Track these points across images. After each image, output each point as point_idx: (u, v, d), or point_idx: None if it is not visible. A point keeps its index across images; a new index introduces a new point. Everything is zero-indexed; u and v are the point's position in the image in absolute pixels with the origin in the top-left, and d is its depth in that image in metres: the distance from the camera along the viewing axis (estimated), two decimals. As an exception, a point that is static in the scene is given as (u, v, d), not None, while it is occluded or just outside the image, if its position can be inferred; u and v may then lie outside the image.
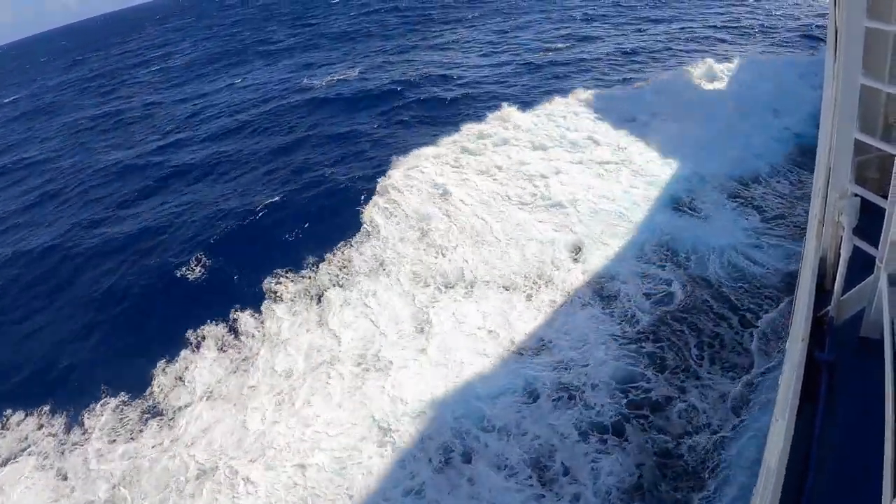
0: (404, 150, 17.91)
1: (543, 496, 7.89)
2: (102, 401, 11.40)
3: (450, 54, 33.21)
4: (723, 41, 27.24)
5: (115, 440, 10.65)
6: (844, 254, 5.23)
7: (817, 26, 27.42)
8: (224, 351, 11.95)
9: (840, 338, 5.52)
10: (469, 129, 18.57)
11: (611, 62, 27.18)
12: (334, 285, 12.54)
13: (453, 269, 12.41)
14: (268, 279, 13.18)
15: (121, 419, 11.05)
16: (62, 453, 10.67)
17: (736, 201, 14.07)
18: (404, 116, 22.11)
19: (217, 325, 12.48)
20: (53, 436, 11.20)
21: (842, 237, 5.34)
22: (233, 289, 13.38)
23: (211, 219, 16.44)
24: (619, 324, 10.88)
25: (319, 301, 12.23)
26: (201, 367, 11.71)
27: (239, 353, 11.78)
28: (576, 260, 12.49)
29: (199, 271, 14.34)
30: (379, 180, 16.08)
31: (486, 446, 8.57)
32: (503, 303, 11.49)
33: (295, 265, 13.41)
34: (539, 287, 11.84)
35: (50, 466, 10.46)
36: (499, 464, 8.35)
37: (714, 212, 13.72)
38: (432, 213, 14.05)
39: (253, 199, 17.12)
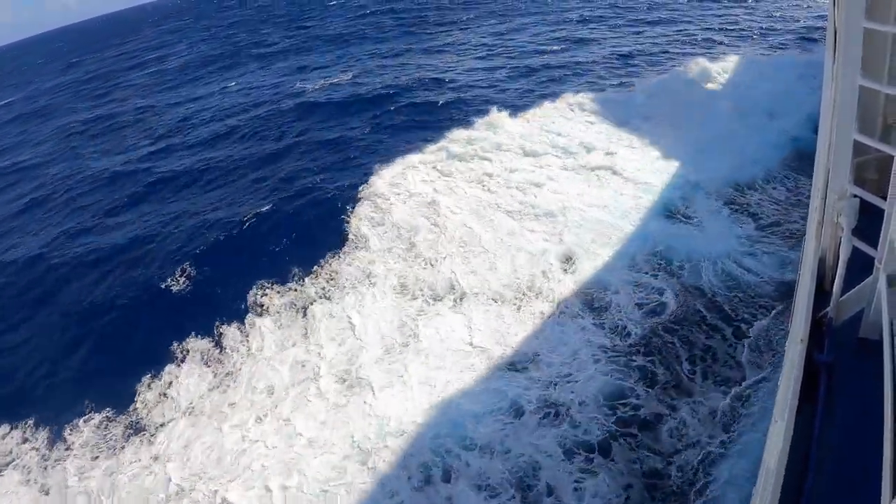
0: (393, 156, 17.67)
1: (525, 518, 7.68)
2: (87, 416, 11.22)
3: (444, 57, 33.00)
4: (720, 43, 27.01)
5: (97, 456, 10.46)
6: (843, 255, 5.23)
7: (816, 27, 27.20)
8: (208, 365, 11.73)
9: (839, 339, 5.51)
10: (458, 134, 18.30)
11: (606, 65, 26.96)
12: (320, 298, 12.31)
13: (441, 281, 12.18)
14: (254, 291, 12.96)
15: (104, 435, 10.85)
16: (45, 468, 10.49)
17: (731, 208, 13.87)
18: (395, 121, 21.88)
19: (202, 338, 12.26)
20: (37, 450, 11.05)
21: (841, 238, 5.34)
22: (219, 301, 13.14)
23: (198, 228, 16.21)
24: (610, 336, 10.67)
25: (305, 314, 12.00)
26: (185, 382, 11.50)
27: (222, 367, 11.55)
28: (566, 270, 12.25)
29: (186, 283, 14.12)
30: (367, 189, 15.84)
31: (468, 465, 8.35)
32: (492, 315, 11.26)
33: (281, 277, 13.18)
34: (529, 299, 11.61)
35: (34, 481, 10.30)
36: (480, 483, 8.14)
37: (708, 219, 13.51)
38: (420, 223, 13.82)
39: (240, 209, 16.89)
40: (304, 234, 14.71)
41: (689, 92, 20.58)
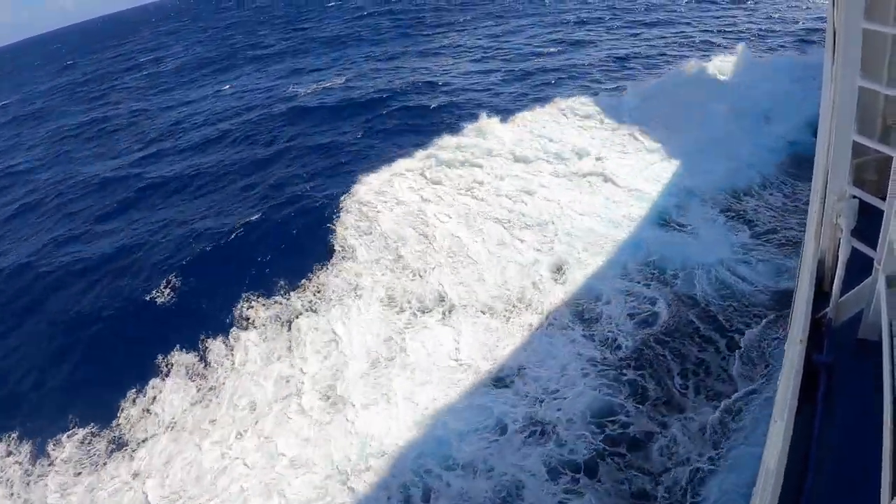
0: (383, 163, 17.45)
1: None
2: (70, 430, 11.06)
3: (439, 60, 32.77)
4: (718, 45, 26.70)
5: (80, 472, 10.30)
6: (843, 256, 5.22)
7: (814, 29, 26.95)
8: (192, 380, 11.54)
9: (838, 339, 5.51)
10: (448, 141, 18.03)
11: (602, 68, 26.73)
12: (306, 310, 12.09)
13: (430, 293, 11.96)
14: (240, 304, 12.75)
15: (87, 450, 10.69)
16: (27, 484, 10.33)
17: (726, 215, 13.66)
18: (387, 125, 21.67)
19: (187, 352, 12.05)
20: (20, 464, 10.90)
21: (840, 239, 5.33)
22: (204, 314, 12.96)
23: (186, 238, 16.01)
24: (600, 348, 10.45)
25: (290, 328, 11.78)
26: (168, 396, 11.32)
27: (206, 381, 11.35)
28: (557, 281, 12.02)
29: (172, 295, 13.91)
30: (355, 197, 15.63)
31: (448, 485, 8.15)
32: (480, 328, 11.04)
33: (268, 289, 12.97)
34: (518, 310, 11.39)
35: (17, 496, 10.15)
36: (460, 504, 7.91)
37: (703, 226, 13.29)
38: (408, 233, 13.59)
39: (228, 218, 16.69)
40: (292, 245, 14.50)
41: (685, 95, 20.32)
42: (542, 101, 20.97)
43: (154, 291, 14.00)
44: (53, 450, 10.75)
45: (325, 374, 10.55)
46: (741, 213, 13.73)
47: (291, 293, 12.66)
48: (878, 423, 3.63)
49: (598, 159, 15.81)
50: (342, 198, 15.78)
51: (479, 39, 37.59)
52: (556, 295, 11.60)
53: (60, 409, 11.60)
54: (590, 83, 24.08)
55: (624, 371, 9.89)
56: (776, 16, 31.67)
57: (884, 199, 4.65)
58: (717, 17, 34.25)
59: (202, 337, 12.20)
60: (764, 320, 10.49)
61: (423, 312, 11.63)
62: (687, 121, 18.01)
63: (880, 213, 4.75)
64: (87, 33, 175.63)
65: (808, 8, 32.21)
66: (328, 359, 10.90)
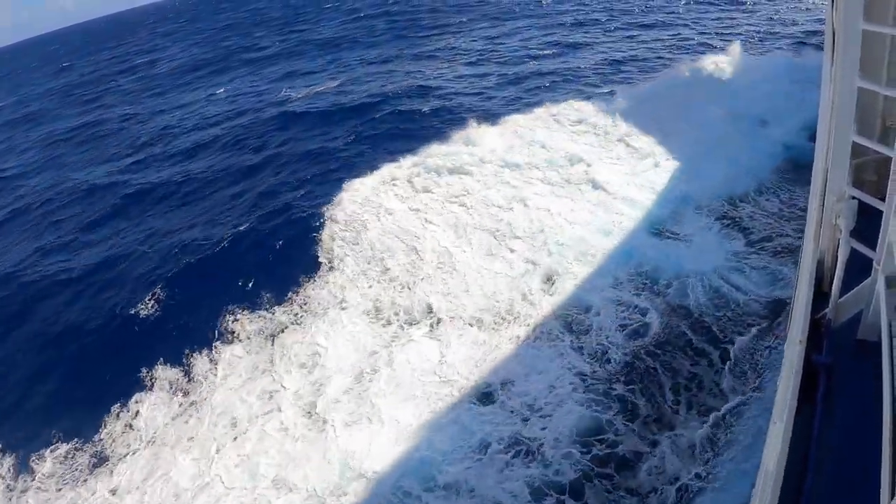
0: (371, 170, 17.17)
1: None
2: (53, 444, 10.89)
3: (434, 63, 32.52)
4: (716, 48, 26.40)
5: (61, 488, 10.11)
6: (842, 256, 5.24)
7: (813, 31, 26.71)
8: (175, 394, 11.34)
9: (837, 340, 5.52)
10: (438, 148, 17.69)
11: (597, 71, 26.48)
12: (292, 324, 11.86)
13: (417, 305, 11.71)
14: (225, 317, 12.50)
15: (70, 465, 10.51)
16: (10, 500, 10.19)
17: (721, 222, 13.44)
18: (378, 131, 21.41)
19: (171, 366, 11.84)
20: (2, 478, 10.70)
21: (839, 240, 5.35)
22: (189, 327, 12.74)
23: (172, 248, 15.78)
24: (589, 362, 10.22)
25: (274, 342, 11.54)
26: (150, 411, 11.14)
27: (188, 397, 11.13)
28: (547, 292, 11.78)
29: (157, 308, 13.69)
30: (343, 206, 15.36)
31: (429, 509, 7.89)
32: (467, 341, 10.81)
33: (253, 302, 12.74)
34: (507, 323, 11.16)
35: (1, 512, 9.97)
36: (438, 527, 7.69)
37: (698, 234, 13.07)
38: (395, 244, 13.34)
39: (215, 228, 16.46)
40: (279, 256, 14.28)
41: (679, 98, 20.05)
42: (535, 105, 20.70)
43: (139, 304, 13.76)
44: (36, 464, 10.60)
45: (308, 390, 10.32)
46: (737, 219, 13.52)
47: (277, 306, 12.43)
48: (877, 424, 3.60)
49: (589, 166, 15.55)
50: (330, 207, 15.52)
51: (475, 41, 37.33)
52: (546, 306, 11.37)
53: (44, 423, 11.43)
54: (584, 87, 23.84)
55: (613, 386, 9.67)
56: (775, 17, 31.39)
57: (883, 199, 4.64)
58: (716, 19, 34.01)
59: (186, 351, 11.98)
60: (755, 328, 10.30)
61: (410, 325, 11.40)
62: (681, 125, 17.75)
63: (880, 213, 4.74)
64: (86, 34, 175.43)
65: (807, 9, 31.96)
66: (312, 373, 10.66)
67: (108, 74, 57.32)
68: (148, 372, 11.82)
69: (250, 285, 13.21)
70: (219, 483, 9.09)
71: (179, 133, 27.31)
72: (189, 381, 11.51)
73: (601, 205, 14.07)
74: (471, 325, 11.18)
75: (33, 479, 10.36)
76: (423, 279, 12.26)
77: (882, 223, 4.69)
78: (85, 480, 10.04)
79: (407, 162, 17.08)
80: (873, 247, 4.90)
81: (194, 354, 11.88)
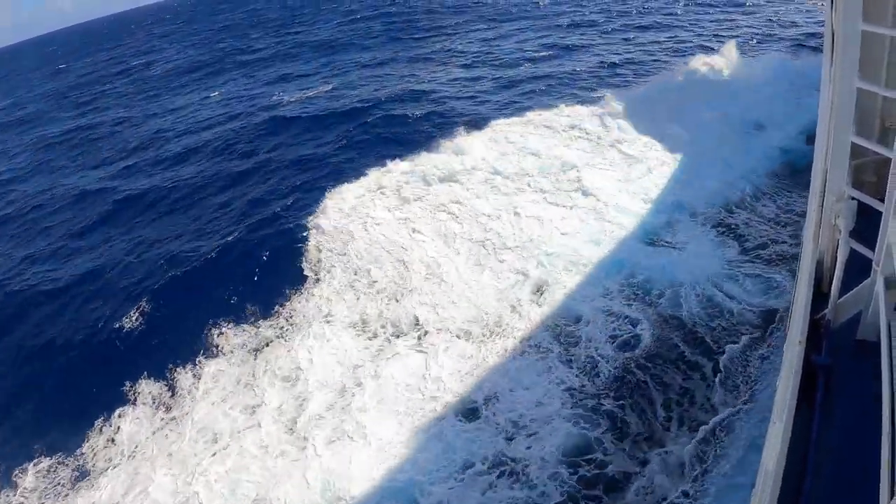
0: (360, 179, 16.94)
1: None
2: (36, 459, 10.80)
3: (428, 66, 32.29)
4: (713, 50, 26.17)
5: (44, 502, 10.03)
6: (841, 257, 5.27)
7: (812, 34, 26.46)
8: (158, 409, 11.18)
9: (837, 340, 5.54)
10: (427, 157, 17.42)
11: (592, 74, 26.25)
12: (277, 338, 11.64)
13: (404, 317, 11.50)
14: (210, 331, 12.30)
15: (53, 479, 10.39)
16: (-6, 516, 10.04)
17: (717, 230, 13.26)
18: (369, 136, 21.21)
19: (155, 380, 11.67)
20: (-15, 494, 10.60)
21: (838, 240, 5.35)
22: (174, 341, 12.55)
23: (158, 259, 15.60)
24: (579, 376, 10.00)
25: (258, 356, 11.31)
26: (133, 426, 11.00)
27: (169, 412, 10.93)
28: (536, 303, 11.55)
29: (143, 320, 13.51)
30: (331, 217, 15.14)
31: (412, 533, 7.67)
32: (454, 355, 10.59)
33: (238, 315, 12.53)
34: (495, 336, 10.94)
35: (-19, 527, 9.81)
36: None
37: (692, 242, 12.88)
38: (383, 255, 13.11)
39: (202, 239, 16.29)
40: (265, 268, 14.07)
41: (674, 102, 19.80)
42: (528, 109, 20.50)
43: (124, 318, 13.57)
44: (19, 478, 10.51)
45: (290, 405, 10.10)
46: (732, 226, 13.33)
47: (262, 320, 12.24)
48: (876, 424, 3.61)
49: (581, 173, 15.30)
50: (317, 217, 15.31)
51: (470, 44, 37.09)
52: (535, 318, 11.15)
53: (27, 437, 11.32)
54: (578, 90, 23.61)
55: (603, 401, 9.44)
56: (774, 19, 31.13)
57: (882, 200, 4.66)
58: (714, 21, 33.77)
59: (170, 365, 11.79)
60: (747, 336, 10.12)
61: (397, 336, 11.19)
62: (676, 129, 17.56)
63: (879, 214, 4.75)
64: (85, 35, 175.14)
65: (807, 11, 31.71)
66: (295, 388, 10.44)
67: (105, 76, 57.14)
68: (131, 386, 11.65)
69: (236, 298, 13.00)
70: (197, 500, 8.89)
71: (172, 137, 27.12)
72: (172, 395, 11.33)
73: (593, 213, 13.83)
74: (458, 336, 10.96)
75: (16, 494, 10.25)
76: (410, 291, 12.02)
77: (881, 224, 4.69)
78: (66, 495, 9.93)
79: (396, 169, 16.85)
80: (872, 247, 4.91)
81: (178, 368, 11.69)
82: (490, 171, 15.97)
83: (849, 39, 5.09)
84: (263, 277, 13.61)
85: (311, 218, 15.18)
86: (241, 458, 9.39)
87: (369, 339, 11.16)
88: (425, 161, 16.75)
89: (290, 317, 12.01)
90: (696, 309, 11.10)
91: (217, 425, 10.15)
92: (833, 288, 5.52)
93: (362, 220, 14.40)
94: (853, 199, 5.28)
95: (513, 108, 21.36)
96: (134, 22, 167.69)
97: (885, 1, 5.12)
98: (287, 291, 12.75)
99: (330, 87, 30.09)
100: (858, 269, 5.26)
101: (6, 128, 42.29)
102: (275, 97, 30.09)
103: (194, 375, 11.42)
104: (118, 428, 10.90)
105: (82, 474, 10.18)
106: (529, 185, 15.08)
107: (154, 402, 11.27)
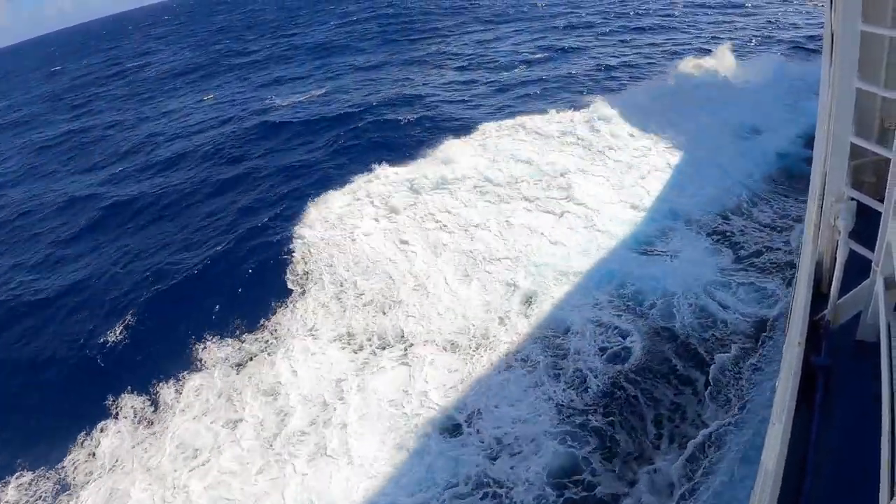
0: (348, 188, 16.72)
1: None
2: (18, 472, 10.68)
3: (423, 70, 32.09)
4: (711, 53, 25.97)
5: (25, 519, 9.83)
6: (840, 257, 5.28)
7: (811, 36, 26.24)
8: (139, 423, 10.98)
9: (836, 341, 5.55)
10: (416, 164, 17.20)
11: (588, 78, 26.03)
12: (261, 352, 11.42)
13: (390, 329, 11.29)
14: (195, 345, 12.10)
15: (34, 492, 10.25)
16: (-26, 532, 9.99)
17: (712, 238, 13.05)
18: (360, 141, 20.98)
19: (138, 394, 11.47)
20: (-34, 510, 10.47)
21: (838, 241, 5.39)
22: (158, 355, 12.35)
23: (144, 270, 15.40)
24: (566, 390, 9.78)
25: (241, 371, 11.11)
26: (113, 440, 10.82)
27: (150, 427, 10.73)
28: (525, 315, 11.31)
29: (127, 334, 13.29)
30: (318, 228, 14.90)
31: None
32: (440, 369, 10.36)
33: (223, 330, 12.32)
34: (482, 348, 10.72)
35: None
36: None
37: (686, 251, 12.66)
38: (370, 266, 12.89)
39: (188, 251, 16.07)
40: (252, 281, 13.85)
41: (670, 106, 19.61)
42: (521, 114, 20.28)
43: (109, 331, 13.35)
44: (1, 492, 10.38)
45: (272, 421, 9.88)
46: (728, 234, 13.13)
47: (247, 334, 12.02)
48: (876, 425, 3.60)
49: (572, 181, 15.04)
50: (304, 228, 15.08)
51: (466, 46, 36.86)
52: (523, 331, 10.92)
53: (10, 449, 11.18)
54: (573, 94, 23.36)
55: (591, 417, 9.21)
56: (773, 21, 30.90)
57: (881, 200, 4.67)
58: (712, 23, 33.56)
59: (153, 379, 11.59)
60: (735, 346, 9.92)
61: (383, 349, 10.96)
62: (671, 134, 17.39)
63: (878, 214, 4.77)
64: (84, 36, 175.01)
65: (807, 13, 31.50)
66: (278, 403, 10.22)
67: (100, 78, 56.94)
68: (114, 400, 11.49)
69: (221, 312, 12.83)
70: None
71: (162, 142, 26.93)
72: (154, 409, 11.15)
73: (584, 221, 13.60)
74: (445, 349, 10.75)
75: (-2, 511, 10.07)
76: (397, 302, 11.81)
77: (881, 224, 4.70)
78: (47, 511, 9.66)
79: (386, 177, 16.62)
80: (872, 248, 4.91)
81: (161, 383, 11.51)
82: (480, 178, 15.72)
83: (848, 40, 5.05)
84: (249, 290, 13.40)
85: (298, 228, 14.98)
86: (220, 475, 9.19)
87: (354, 351, 10.94)
88: (415, 169, 16.50)
89: (275, 330, 11.80)
90: (688, 319, 10.88)
91: (197, 440, 9.96)
92: (832, 289, 5.46)
93: (350, 230, 14.16)
94: (852, 199, 5.27)
95: (505, 113, 21.12)
96: (132, 23, 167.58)
97: (884, 1, 5.10)
98: (273, 304, 12.54)
99: (323, 90, 29.89)
100: (858, 269, 5.24)
101: (1, 130, 42.10)
102: (267, 101, 29.91)
103: (177, 390, 11.22)
104: (99, 441, 10.74)
105: (63, 487, 10.05)
106: (520, 194, 14.82)
107: (136, 416, 11.11)
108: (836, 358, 5.34)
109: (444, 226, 13.76)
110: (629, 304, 11.44)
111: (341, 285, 12.52)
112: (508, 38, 37.24)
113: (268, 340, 11.65)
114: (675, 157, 16.31)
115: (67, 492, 9.92)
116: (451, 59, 33.61)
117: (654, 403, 9.42)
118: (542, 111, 20.05)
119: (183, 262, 15.35)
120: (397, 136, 20.68)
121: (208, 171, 21.14)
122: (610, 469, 8.34)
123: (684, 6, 39.53)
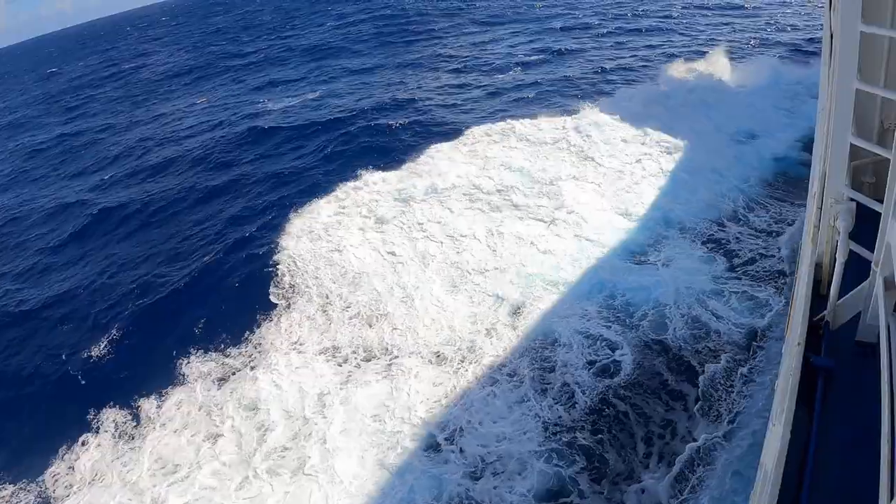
0: (336, 197, 16.51)
1: None
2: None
3: (417, 73, 31.90)
4: (706, 54, 25.73)
5: (5, 535, 9.76)
6: (840, 258, 5.27)
7: (811, 38, 26.03)
8: (119, 437, 10.80)
9: (836, 342, 5.55)
10: (406, 171, 16.97)
11: (584, 81, 25.81)
12: (244, 367, 11.21)
13: (376, 343, 11.09)
14: (178, 360, 11.91)
15: None
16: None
17: (706, 245, 12.86)
18: (350, 147, 20.76)
19: (120, 409, 11.28)
20: (-53, 527, 10.33)
21: (837, 241, 5.38)
22: (142, 369, 12.18)
23: (131, 281, 15.21)
24: (553, 406, 9.55)
25: (224, 386, 10.90)
26: (93, 454, 10.62)
27: (131, 441, 10.55)
28: (513, 327, 11.08)
29: (111, 347, 13.11)
30: (305, 239, 14.67)
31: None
32: (425, 383, 10.17)
33: (207, 344, 12.13)
34: (468, 362, 10.50)
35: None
36: None
37: (679, 259, 12.45)
38: (356, 277, 12.68)
39: (174, 262, 15.90)
40: (237, 294, 13.64)
41: (665, 110, 19.39)
42: (512, 119, 20.05)
43: (93, 344, 13.19)
44: None
45: (253, 437, 9.67)
46: (722, 241, 12.93)
47: (231, 347, 11.83)
48: (876, 426, 3.60)
49: (563, 188, 14.80)
50: (290, 239, 14.88)
51: (461, 48, 36.66)
52: (510, 343, 10.71)
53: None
54: (566, 98, 23.12)
55: (578, 434, 8.98)
56: (772, 23, 30.66)
57: (881, 201, 4.68)
58: (711, 25, 33.32)
59: (135, 394, 11.41)
60: (725, 356, 9.75)
61: (367, 361, 10.77)
62: (666, 138, 17.16)
63: (878, 215, 4.76)
64: (84, 36, 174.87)
65: (806, 14, 31.28)
66: (258, 414, 10.05)
67: (96, 80, 56.75)
68: (95, 413, 11.32)
69: (206, 326, 12.65)
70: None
71: (153, 146, 26.77)
72: (136, 423, 10.99)
73: (575, 229, 13.37)
74: (430, 362, 10.57)
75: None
76: (384, 315, 11.62)
77: (880, 225, 4.70)
78: (27, 526, 9.52)
79: (374, 186, 16.40)
80: (871, 248, 4.92)
81: (142, 397, 11.32)
82: (470, 186, 15.47)
83: (847, 40, 5.05)
84: (234, 303, 13.21)
85: (284, 239, 14.80)
86: (199, 490, 9.02)
87: (339, 364, 10.75)
88: (405, 176, 16.28)
89: (259, 344, 11.60)
90: (680, 331, 10.68)
91: (177, 455, 9.79)
92: (832, 289, 5.49)
93: (336, 241, 13.93)
94: (852, 200, 5.27)
95: (497, 118, 20.83)
96: (130, 24, 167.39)
97: (884, 2, 5.13)
98: (258, 318, 12.35)
99: (316, 94, 29.71)
100: (857, 270, 5.26)
101: (-5, 133, 41.91)
102: (260, 104, 29.72)
103: (158, 405, 11.03)
104: (79, 455, 10.57)
105: (43, 501, 9.95)
106: (509, 202, 14.59)
107: (117, 430, 10.94)
108: (836, 358, 5.35)
109: (433, 236, 13.53)
110: (619, 315, 11.23)
111: (327, 297, 12.31)
112: (504, 41, 37.06)
113: (251, 354, 11.45)
114: (669, 163, 16.08)
115: (47, 508, 9.61)
116: (446, 61, 33.41)
117: (644, 420, 9.22)
118: (534, 116, 19.85)
119: (168, 274, 15.18)
120: (388, 142, 20.47)
121: (197, 177, 20.96)
122: (598, 490, 8.13)
123: (683, 7, 39.29)
